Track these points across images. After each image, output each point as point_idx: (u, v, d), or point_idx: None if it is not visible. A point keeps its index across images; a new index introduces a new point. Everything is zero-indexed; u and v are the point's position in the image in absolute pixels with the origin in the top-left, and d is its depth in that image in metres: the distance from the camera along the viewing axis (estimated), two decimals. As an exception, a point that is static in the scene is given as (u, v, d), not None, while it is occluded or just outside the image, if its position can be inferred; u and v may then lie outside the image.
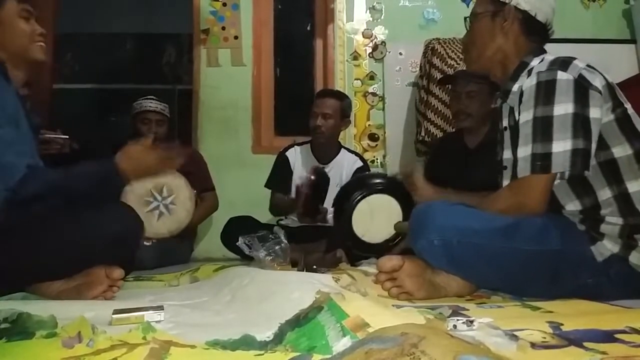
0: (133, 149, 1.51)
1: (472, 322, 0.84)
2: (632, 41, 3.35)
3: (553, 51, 1.36)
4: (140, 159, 1.51)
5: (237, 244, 1.82)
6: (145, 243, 2.09)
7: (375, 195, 1.73)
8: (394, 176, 1.82)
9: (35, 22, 1.47)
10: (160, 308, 1.00)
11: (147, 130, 2.67)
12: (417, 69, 3.26)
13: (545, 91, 1.22)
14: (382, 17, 3.42)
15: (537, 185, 1.23)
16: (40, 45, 1.47)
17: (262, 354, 0.74)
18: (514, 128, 1.31)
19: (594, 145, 1.20)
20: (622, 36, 3.40)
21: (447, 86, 2.64)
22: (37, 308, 0.98)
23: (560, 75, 1.21)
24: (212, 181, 2.87)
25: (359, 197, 1.71)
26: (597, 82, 1.22)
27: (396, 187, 1.75)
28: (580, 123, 1.19)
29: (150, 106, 2.70)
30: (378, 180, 1.83)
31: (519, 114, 1.29)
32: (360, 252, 1.84)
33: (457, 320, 0.84)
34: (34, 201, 1.28)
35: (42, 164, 1.39)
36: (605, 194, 1.23)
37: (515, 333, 0.79)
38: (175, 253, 2.45)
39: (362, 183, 1.83)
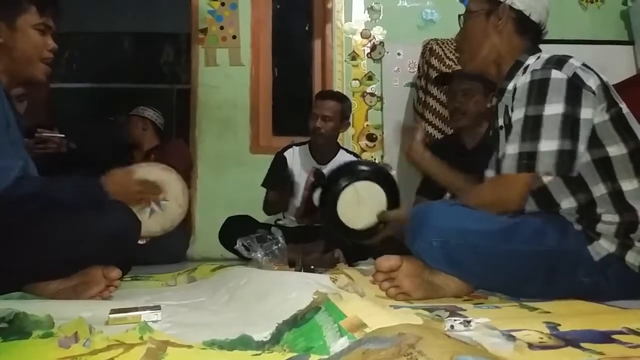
0: (119, 174, 1.56)
1: (469, 322, 0.84)
2: (630, 42, 3.36)
3: (551, 52, 1.36)
4: (124, 186, 1.56)
5: (235, 247, 1.82)
6: (139, 242, 2.07)
7: (362, 182, 1.73)
8: (381, 165, 1.83)
9: (50, 37, 1.45)
10: (157, 308, 1.00)
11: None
12: (415, 69, 3.26)
13: (538, 90, 1.22)
14: (381, 18, 3.42)
15: (519, 182, 1.24)
16: (44, 66, 1.46)
17: (260, 354, 0.74)
18: (509, 126, 1.31)
19: (582, 147, 1.20)
20: (620, 37, 3.41)
21: (444, 86, 2.65)
22: (34, 308, 0.97)
23: (555, 74, 1.22)
24: (190, 174, 2.86)
25: (346, 183, 1.71)
26: (591, 81, 1.22)
27: (383, 176, 1.75)
28: (570, 124, 1.19)
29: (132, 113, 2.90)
30: (366, 168, 1.83)
31: (512, 112, 1.29)
32: (342, 237, 1.85)
33: (455, 320, 0.84)
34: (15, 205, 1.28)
35: (33, 166, 1.38)
36: (599, 190, 1.23)
37: (513, 333, 0.79)
38: (167, 245, 2.37)
39: (350, 169, 1.83)
